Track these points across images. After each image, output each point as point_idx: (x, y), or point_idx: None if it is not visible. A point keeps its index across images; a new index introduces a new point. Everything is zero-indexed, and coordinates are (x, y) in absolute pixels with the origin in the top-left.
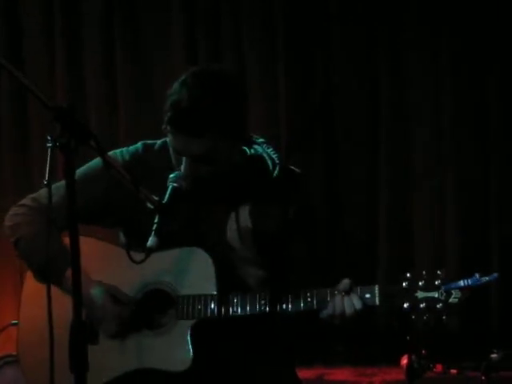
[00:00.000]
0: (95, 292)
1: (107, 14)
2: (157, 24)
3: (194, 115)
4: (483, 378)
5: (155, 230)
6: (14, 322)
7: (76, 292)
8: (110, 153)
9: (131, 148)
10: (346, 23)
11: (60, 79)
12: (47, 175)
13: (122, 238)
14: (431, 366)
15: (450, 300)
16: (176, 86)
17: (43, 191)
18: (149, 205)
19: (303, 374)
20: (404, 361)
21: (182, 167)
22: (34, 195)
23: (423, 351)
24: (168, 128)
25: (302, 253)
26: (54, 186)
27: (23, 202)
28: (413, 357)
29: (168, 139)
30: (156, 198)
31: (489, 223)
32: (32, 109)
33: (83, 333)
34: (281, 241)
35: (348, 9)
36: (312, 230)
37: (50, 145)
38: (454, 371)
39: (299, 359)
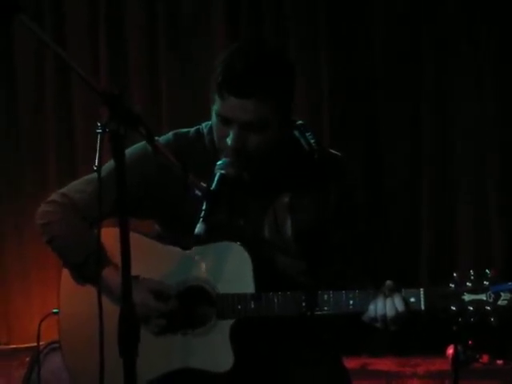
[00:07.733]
0: (136, 290)
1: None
2: (198, 14)
3: (251, 76)
4: None
5: (203, 217)
6: (54, 310)
7: (125, 278)
8: (141, 144)
9: (161, 138)
10: (389, 16)
11: (103, 71)
12: (97, 161)
13: (157, 229)
14: (477, 356)
15: (499, 302)
16: (227, 54)
17: (73, 185)
18: (197, 191)
19: (346, 363)
20: (450, 351)
21: (229, 139)
22: (62, 190)
23: (470, 341)
24: (218, 93)
25: (343, 241)
26: (91, 176)
27: (52, 197)
28: (459, 347)
29: (211, 121)
30: (204, 185)
31: None
32: (77, 101)
33: (133, 318)
34: (321, 231)
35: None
36: (354, 217)
37: (99, 131)
38: (500, 362)
39: (342, 350)
